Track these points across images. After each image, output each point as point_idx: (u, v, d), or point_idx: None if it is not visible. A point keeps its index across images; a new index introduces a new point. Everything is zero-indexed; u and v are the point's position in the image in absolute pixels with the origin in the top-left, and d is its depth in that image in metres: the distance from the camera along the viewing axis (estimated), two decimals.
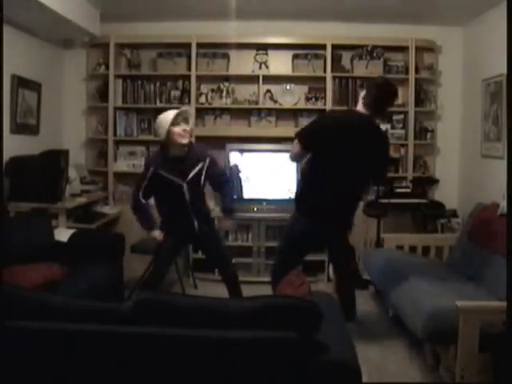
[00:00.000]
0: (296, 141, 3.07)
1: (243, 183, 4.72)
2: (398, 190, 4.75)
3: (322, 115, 3.29)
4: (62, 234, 3.79)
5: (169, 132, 3.18)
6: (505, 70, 2.91)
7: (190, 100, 4.88)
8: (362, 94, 3.06)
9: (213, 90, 4.94)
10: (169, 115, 3.20)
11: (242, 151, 4.75)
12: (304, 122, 4.90)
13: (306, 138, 3.05)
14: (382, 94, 3.01)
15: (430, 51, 4.94)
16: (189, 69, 4.90)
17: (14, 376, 1.63)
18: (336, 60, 4.91)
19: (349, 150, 2.96)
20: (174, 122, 3.18)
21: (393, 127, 4.92)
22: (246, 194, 4.74)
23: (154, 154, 3.48)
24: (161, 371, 1.60)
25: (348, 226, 3.31)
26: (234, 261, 4.76)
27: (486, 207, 3.82)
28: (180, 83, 4.94)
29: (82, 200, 4.33)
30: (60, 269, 3.10)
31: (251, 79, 4.90)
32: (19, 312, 1.66)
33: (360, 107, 3.06)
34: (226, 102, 4.88)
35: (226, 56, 4.95)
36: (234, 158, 4.74)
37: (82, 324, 1.63)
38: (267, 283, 4.27)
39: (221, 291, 3.92)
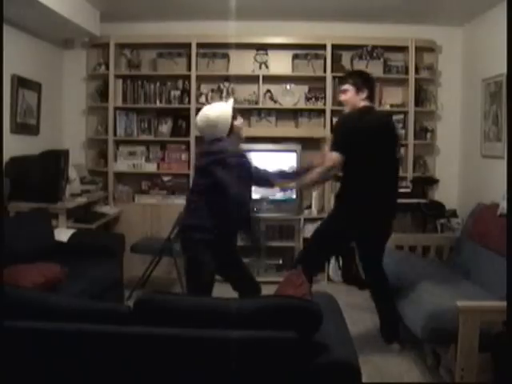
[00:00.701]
0: (331, 154, 3.04)
1: None
2: (398, 190, 4.74)
3: (342, 121, 3.25)
4: (62, 234, 3.79)
5: (232, 127, 2.87)
6: (505, 70, 2.92)
7: (190, 100, 4.88)
8: (364, 94, 3.13)
9: (213, 90, 4.93)
10: (227, 109, 2.90)
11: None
12: (304, 121, 4.92)
13: (343, 145, 3.03)
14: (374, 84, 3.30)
15: (430, 51, 4.94)
16: (189, 69, 4.89)
17: (14, 376, 1.62)
18: (336, 60, 4.91)
19: (376, 144, 3.07)
20: (234, 116, 2.91)
21: None
22: None
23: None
24: (161, 371, 1.60)
25: (393, 214, 3.33)
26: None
27: (486, 207, 3.82)
28: (180, 83, 4.94)
29: (82, 200, 4.33)
30: (60, 269, 3.10)
31: (251, 79, 4.90)
32: (19, 312, 1.66)
33: (364, 103, 3.14)
34: (226, 101, 4.87)
35: (226, 56, 4.95)
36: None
37: (82, 324, 1.63)
38: (267, 283, 4.27)
39: (221, 291, 3.91)
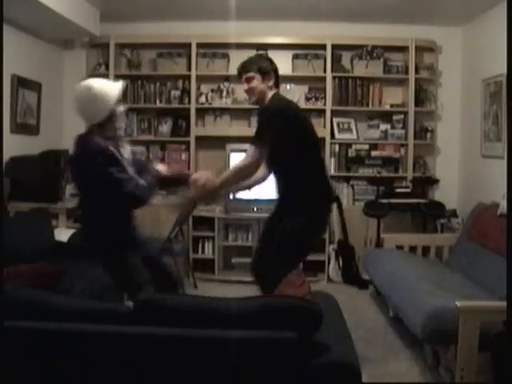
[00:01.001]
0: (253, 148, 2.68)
1: None
2: (398, 190, 4.75)
3: (278, 110, 2.76)
4: (62, 234, 3.79)
5: (112, 112, 2.43)
6: (505, 70, 2.92)
7: (190, 100, 4.88)
8: (272, 81, 2.80)
9: (213, 90, 4.93)
10: (113, 87, 2.43)
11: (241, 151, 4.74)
12: None
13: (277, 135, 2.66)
14: None
15: (430, 51, 4.94)
16: (189, 69, 4.89)
17: (13, 376, 1.62)
18: (336, 60, 4.91)
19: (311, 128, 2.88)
20: (120, 100, 2.47)
21: (393, 127, 4.92)
22: (246, 194, 4.73)
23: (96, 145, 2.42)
24: (161, 371, 1.60)
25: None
26: (233, 261, 4.81)
27: (486, 207, 3.83)
28: (180, 83, 4.94)
29: None
30: (59, 269, 3.10)
31: None
32: (19, 312, 1.66)
33: (273, 92, 2.83)
34: (225, 102, 4.88)
35: (226, 56, 4.94)
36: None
37: (82, 324, 1.63)
38: None
39: (221, 291, 3.93)
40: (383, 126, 4.93)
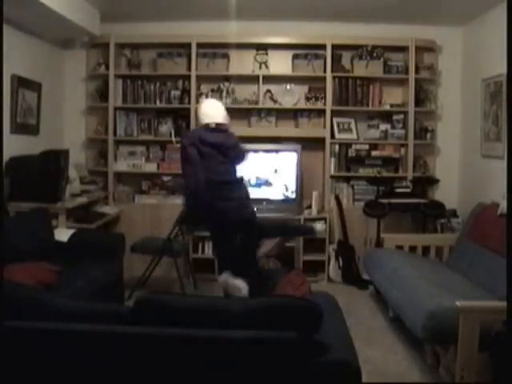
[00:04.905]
0: None
1: None
2: (398, 190, 4.75)
3: None
4: (62, 234, 3.79)
5: None
6: (505, 70, 2.92)
7: (190, 100, 4.88)
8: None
9: (213, 90, 4.93)
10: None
11: None
12: (304, 121, 4.93)
13: None
14: None
15: (430, 51, 4.94)
16: (189, 69, 4.89)
17: (13, 376, 1.63)
18: (336, 60, 4.91)
19: None
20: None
21: (393, 127, 4.92)
22: None
23: None
24: (161, 371, 1.60)
25: None
26: None
27: (485, 207, 3.83)
28: (180, 83, 4.94)
29: (82, 200, 4.33)
30: (59, 268, 3.10)
31: (251, 79, 4.90)
32: (19, 312, 1.66)
33: None
34: (225, 101, 4.87)
35: (226, 56, 4.94)
36: None
37: (83, 324, 1.63)
38: None
39: (221, 291, 3.90)
40: (383, 126, 4.93)
